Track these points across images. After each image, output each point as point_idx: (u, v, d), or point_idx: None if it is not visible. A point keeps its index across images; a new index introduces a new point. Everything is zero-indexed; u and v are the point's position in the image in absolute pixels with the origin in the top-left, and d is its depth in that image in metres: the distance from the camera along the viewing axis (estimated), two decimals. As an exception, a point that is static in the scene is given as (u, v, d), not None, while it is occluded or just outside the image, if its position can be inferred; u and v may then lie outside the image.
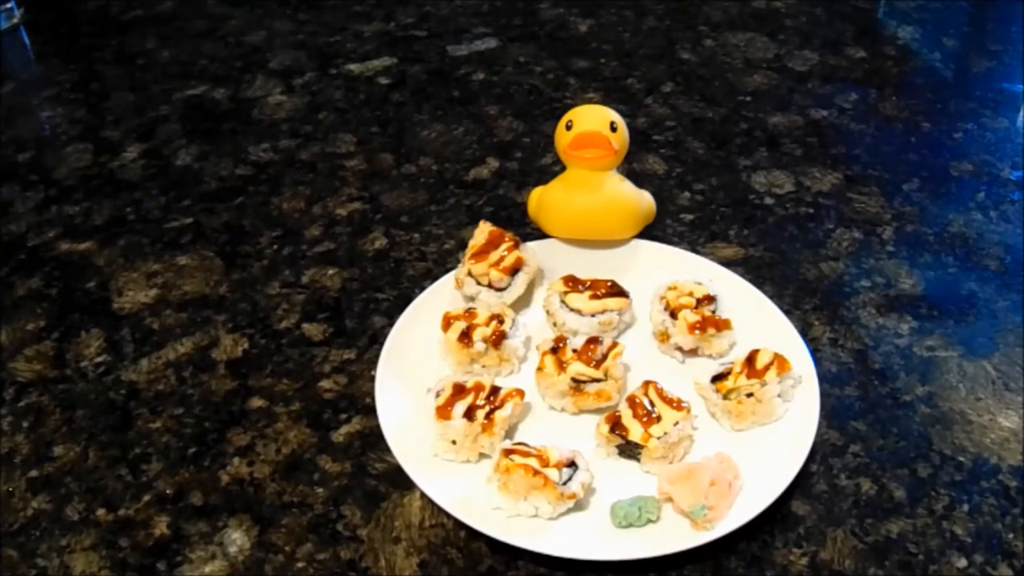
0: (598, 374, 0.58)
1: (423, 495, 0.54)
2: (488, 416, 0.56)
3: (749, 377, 0.58)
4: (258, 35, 1.10)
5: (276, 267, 0.74)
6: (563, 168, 0.69)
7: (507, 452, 0.53)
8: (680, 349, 0.63)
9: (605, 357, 0.59)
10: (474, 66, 1.02)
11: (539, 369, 0.59)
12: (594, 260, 0.69)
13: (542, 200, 0.70)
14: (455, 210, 0.80)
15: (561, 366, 0.59)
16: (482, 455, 0.56)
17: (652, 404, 0.57)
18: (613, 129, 0.65)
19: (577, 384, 0.58)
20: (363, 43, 1.07)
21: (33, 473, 0.58)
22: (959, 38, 1.08)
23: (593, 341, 0.60)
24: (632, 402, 0.57)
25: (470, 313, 0.62)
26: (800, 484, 0.55)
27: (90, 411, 0.63)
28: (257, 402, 0.63)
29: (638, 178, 0.75)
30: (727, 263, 0.69)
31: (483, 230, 0.67)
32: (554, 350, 0.60)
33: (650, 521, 0.52)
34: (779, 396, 0.57)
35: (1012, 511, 0.54)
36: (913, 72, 1.00)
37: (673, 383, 0.60)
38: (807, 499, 0.55)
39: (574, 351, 0.60)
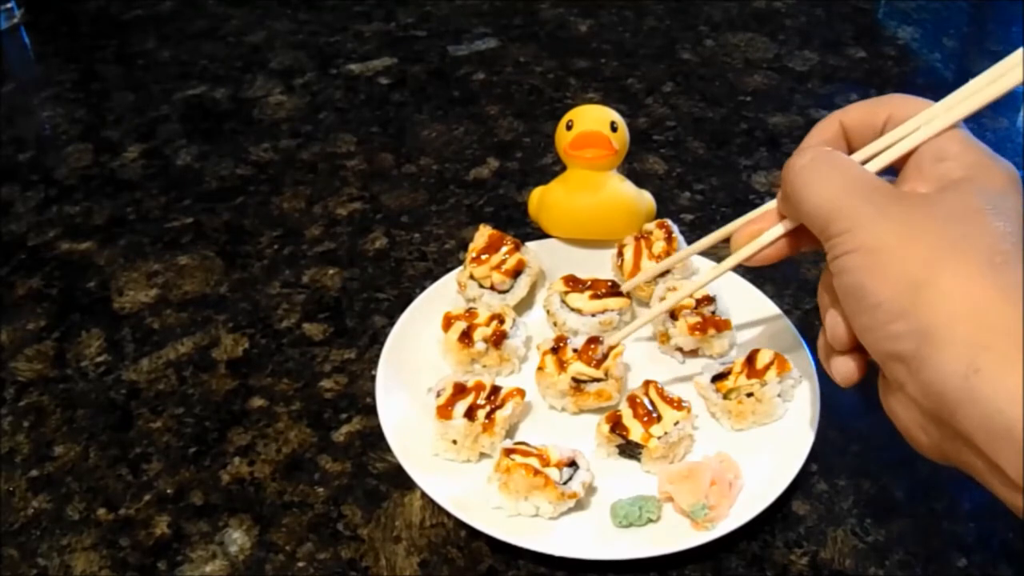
0: (598, 374, 0.58)
1: (424, 495, 0.54)
2: (489, 416, 0.56)
3: (749, 377, 0.58)
4: (258, 35, 1.10)
5: (276, 267, 0.74)
6: (563, 168, 0.69)
7: (508, 452, 0.53)
8: (680, 350, 0.63)
9: (606, 357, 0.59)
10: (474, 66, 1.02)
11: (539, 369, 0.59)
12: (594, 260, 0.69)
13: (543, 200, 0.70)
14: (455, 210, 0.80)
15: (562, 366, 0.59)
16: (483, 455, 0.56)
17: (652, 404, 0.57)
18: (613, 129, 0.66)
19: (577, 384, 0.58)
20: (363, 43, 1.07)
21: (33, 473, 0.58)
22: (959, 38, 1.08)
23: (593, 341, 0.60)
24: (632, 402, 0.57)
25: (471, 313, 0.62)
26: (800, 484, 0.55)
27: (90, 411, 0.63)
28: (257, 402, 0.63)
29: (638, 178, 0.75)
30: (727, 263, 0.69)
31: (483, 233, 0.67)
32: (554, 350, 0.60)
33: (651, 521, 0.52)
34: (779, 396, 0.57)
35: (1012, 511, 0.54)
36: (913, 72, 1.00)
37: (673, 383, 0.60)
38: (807, 499, 0.55)
39: (574, 351, 0.60)
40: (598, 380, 0.58)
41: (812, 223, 0.43)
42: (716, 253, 0.73)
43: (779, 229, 0.48)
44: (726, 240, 0.52)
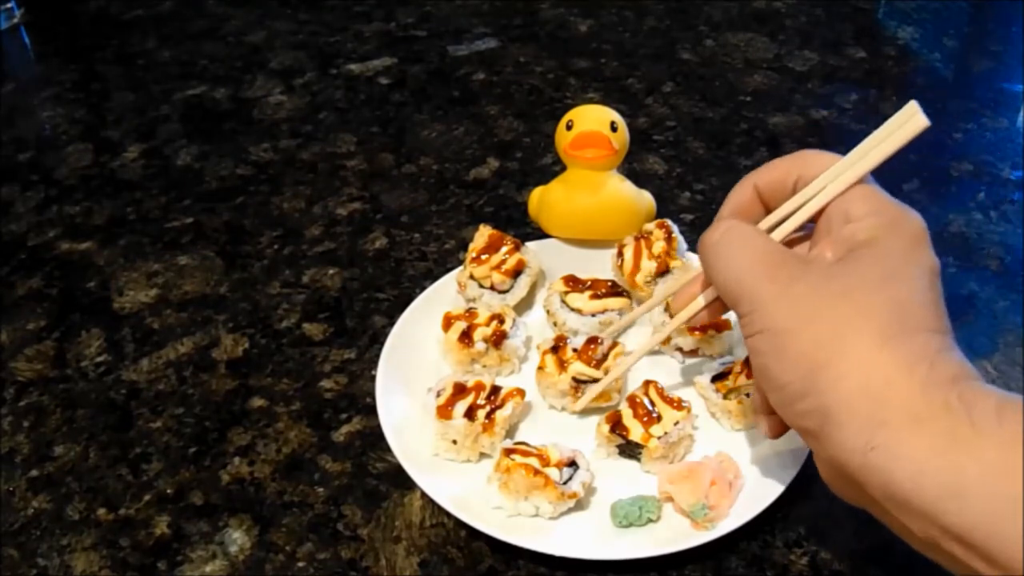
0: (598, 374, 0.58)
1: (423, 495, 0.54)
2: (489, 416, 0.56)
3: (749, 377, 0.58)
4: (258, 35, 1.10)
5: (276, 267, 0.74)
6: (563, 168, 0.69)
7: (508, 452, 0.53)
8: (680, 350, 0.63)
9: (606, 357, 0.59)
10: (474, 66, 1.02)
11: (540, 368, 0.59)
12: (594, 260, 0.69)
13: (543, 200, 0.70)
14: (455, 210, 0.80)
15: (562, 365, 0.59)
16: (483, 455, 0.56)
17: (652, 404, 0.57)
18: (613, 129, 0.66)
19: (578, 384, 0.58)
20: (363, 43, 1.07)
21: (33, 473, 0.58)
22: (959, 38, 1.08)
23: (593, 341, 0.60)
24: (633, 402, 0.57)
25: (471, 313, 0.62)
26: (800, 484, 0.55)
27: (90, 411, 0.63)
28: (257, 402, 0.63)
29: (638, 178, 0.75)
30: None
31: (483, 233, 0.67)
32: (554, 349, 0.60)
33: (651, 521, 0.52)
34: (779, 396, 0.57)
35: (1012, 511, 0.54)
36: (913, 72, 1.00)
37: (673, 383, 0.60)
38: (807, 499, 0.55)
39: (574, 350, 0.60)
40: (598, 380, 0.58)
41: (725, 299, 0.45)
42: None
43: (710, 293, 0.50)
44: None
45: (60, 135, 0.93)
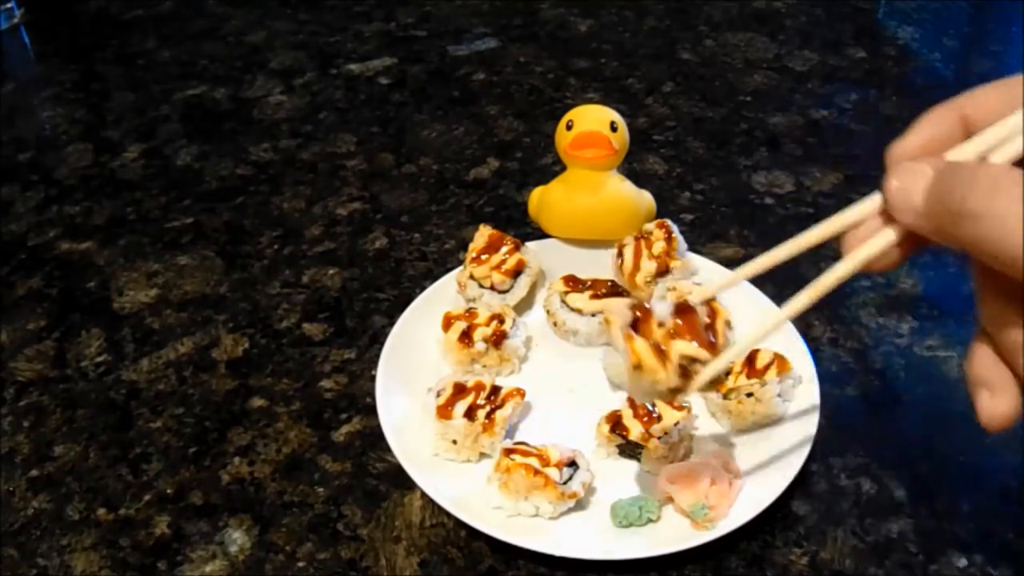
0: (709, 357, 0.44)
1: (423, 495, 0.54)
2: (489, 416, 0.56)
3: (749, 377, 0.58)
4: (258, 35, 1.10)
5: (276, 267, 0.74)
6: (563, 168, 0.69)
7: (508, 451, 0.53)
8: (680, 349, 0.63)
9: (715, 333, 0.45)
10: (474, 66, 1.02)
11: (636, 367, 0.43)
12: (594, 260, 0.69)
13: (543, 200, 0.70)
14: (455, 210, 0.80)
15: (662, 354, 0.44)
16: (483, 455, 0.56)
17: (652, 404, 0.57)
18: (613, 129, 0.66)
19: (684, 371, 0.44)
20: (363, 43, 1.07)
21: (33, 473, 0.58)
22: (959, 38, 1.08)
23: (686, 310, 0.44)
24: (633, 402, 0.57)
25: (471, 313, 0.62)
26: (800, 484, 0.55)
27: (90, 411, 0.63)
28: (257, 402, 0.63)
29: (638, 178, 0.75)
30: (727, 263, 0.69)
31: (483, 233, 0.67)
32: (635, 326, 0.44)
33: (650, 521, 0.52)
34: (779, 396, 0.57)
35: (1013, 511, 0.54)
36: (913, 72, 1.00)
37: (673, 383, 0.60)
38: (807, 499, 0.55)
39: (660, 325, 0.44)
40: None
41: (1003, 265, 0.31)
42: (715, 253, 0.73)
43: (900, 228, 0.38)
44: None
45: (60, 135, 0.93)
